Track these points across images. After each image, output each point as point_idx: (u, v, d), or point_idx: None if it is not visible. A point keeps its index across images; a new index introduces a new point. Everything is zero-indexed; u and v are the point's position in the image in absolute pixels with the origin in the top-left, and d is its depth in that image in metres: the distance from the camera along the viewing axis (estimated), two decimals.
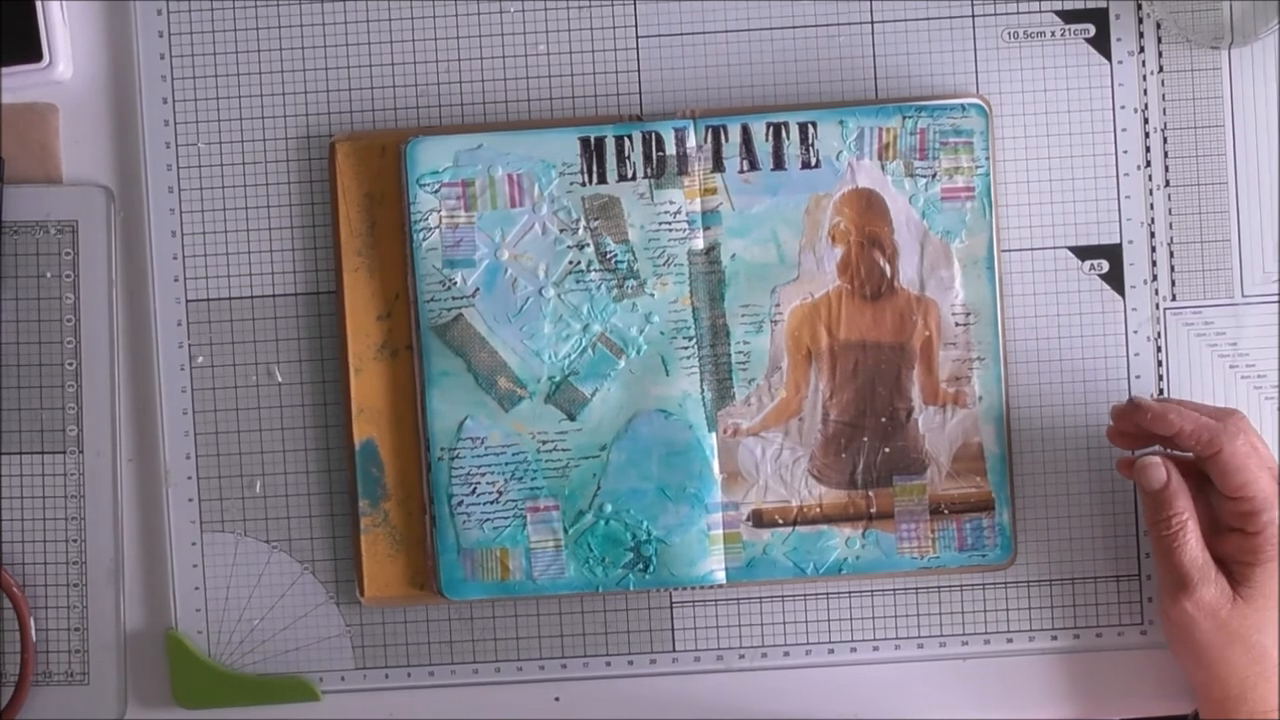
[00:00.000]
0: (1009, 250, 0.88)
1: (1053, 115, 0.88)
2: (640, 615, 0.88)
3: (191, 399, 0.88)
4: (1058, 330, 0.87)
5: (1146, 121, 0.87)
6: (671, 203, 0.85)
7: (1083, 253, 0.88)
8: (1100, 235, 0.87)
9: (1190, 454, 0.81)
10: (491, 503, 0.86)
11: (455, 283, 0.85)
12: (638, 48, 0.86)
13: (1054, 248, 0.87)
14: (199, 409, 0.88)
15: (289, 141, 0.87)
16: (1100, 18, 0.86)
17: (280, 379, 0.87)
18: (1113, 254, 0.87)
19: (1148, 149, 0.86)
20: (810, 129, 0.85)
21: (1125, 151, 0.87)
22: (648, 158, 0.84)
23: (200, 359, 0.88)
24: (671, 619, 0.88)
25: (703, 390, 0.86)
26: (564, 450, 0.86)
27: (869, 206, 0.85)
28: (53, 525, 0.86)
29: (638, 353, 0.86)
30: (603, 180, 0.85)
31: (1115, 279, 0.88)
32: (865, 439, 0.86)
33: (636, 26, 0.86)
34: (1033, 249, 0.88)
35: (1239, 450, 0.78)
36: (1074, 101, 0.88)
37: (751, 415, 0.86)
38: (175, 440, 0.88)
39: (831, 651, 0.88)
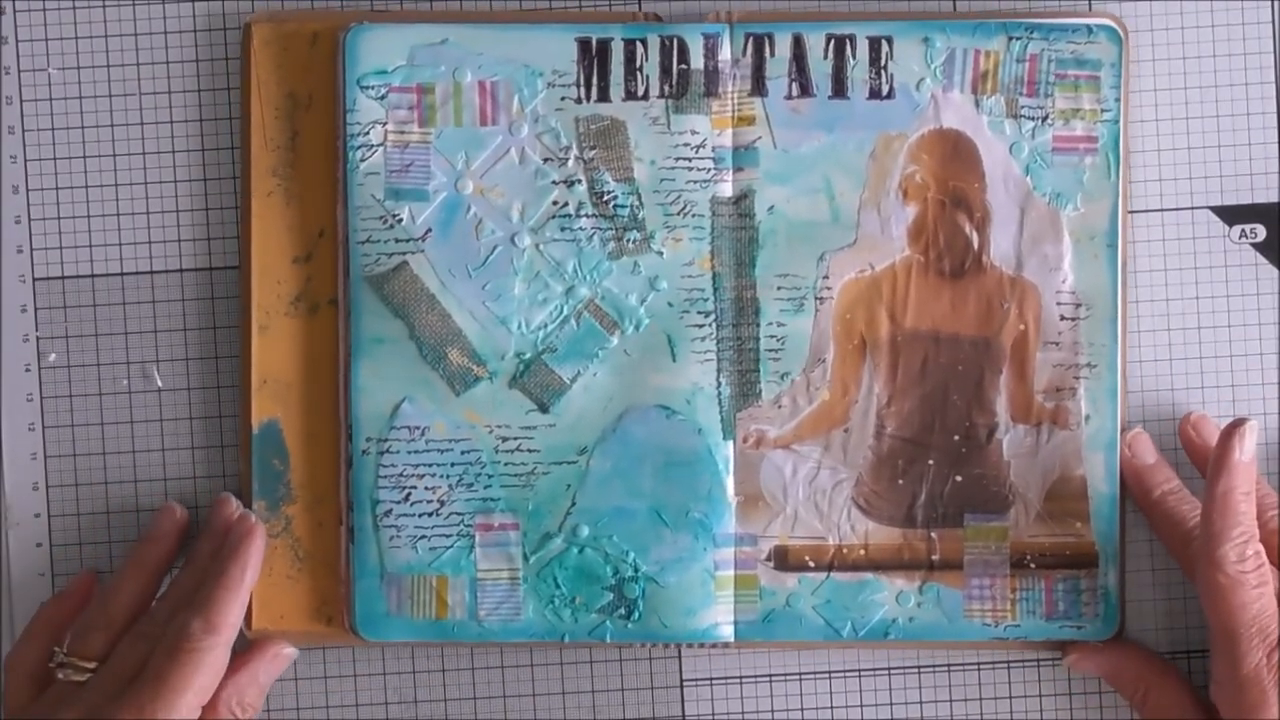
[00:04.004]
0: (1128, 211, 0.82)
1: (1191, 40, 0.82)
2: (612, 671, 0.83)
3: (40, 410, 0.82)
4: (1197, 318, 0.81)
5: None
6: (694, 133, 0.80)
7: (1230, 215, 0.82)
8: (1254, 192, 0.82)
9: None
10: (430, 515, 0.80)
11: (400, 220, 0.80)
12: None
13: (1191, 208, 0.82)
14: (51, 424, 0.82)
15: (185, 35, 0.81)
16: None
17: (161, 383, 0.82)
18: (1271, 217, 0.82)
19: None
20: (884, 46, 0.80)
21: None
22: (666, 71, 0.80)
23: (53, 356, 0.83)
24: (650, 679, 0.82)
25: (719, 384, 0.80)
26: (530, 451, 0.81)
27: (955, 154, 0.80)
28: None
29: (636, 328, 0.81)
30: (604, 98, 0.80)
31: (1274, 249, 0.82)
32: (931, 462, 0.80)
33: None
34: (1162, 210, 0.82)
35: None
36: (1219, 24, 0.82)
37: (782, 421, 0.81)
38: (19, 465, 0.83)
39: None
